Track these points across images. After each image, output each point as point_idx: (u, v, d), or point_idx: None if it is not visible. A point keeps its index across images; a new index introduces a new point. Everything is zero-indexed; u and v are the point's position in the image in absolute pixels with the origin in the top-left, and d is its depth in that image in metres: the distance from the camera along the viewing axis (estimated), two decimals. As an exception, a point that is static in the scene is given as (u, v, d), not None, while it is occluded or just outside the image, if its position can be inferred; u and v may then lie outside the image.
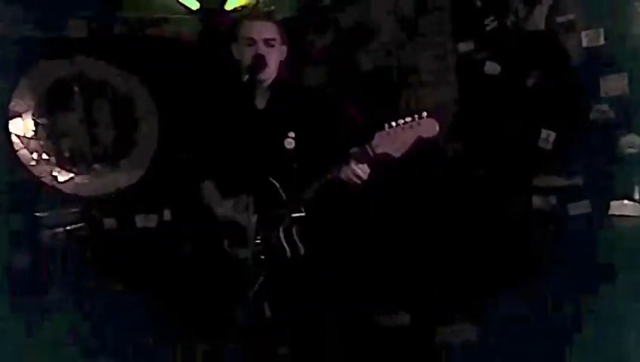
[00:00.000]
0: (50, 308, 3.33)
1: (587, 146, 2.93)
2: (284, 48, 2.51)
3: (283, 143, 2.44)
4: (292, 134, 2.42)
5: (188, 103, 4.00)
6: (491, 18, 3.30)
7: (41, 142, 3.80)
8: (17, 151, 3.72)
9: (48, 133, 3.83)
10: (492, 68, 3.27)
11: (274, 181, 2.46)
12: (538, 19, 3.16)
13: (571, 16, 3.04)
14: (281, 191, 2.45)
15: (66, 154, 3.87)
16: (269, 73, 2.45)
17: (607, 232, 2.81)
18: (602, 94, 2.93)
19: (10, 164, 3.65)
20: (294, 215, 2.43)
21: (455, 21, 3.48)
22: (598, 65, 2.94)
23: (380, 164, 2.29)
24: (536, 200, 3.12)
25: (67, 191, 3.84)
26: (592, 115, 2.96)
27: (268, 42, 2.42)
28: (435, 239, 3.26)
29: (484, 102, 3.28)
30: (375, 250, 3.32)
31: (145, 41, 4.07)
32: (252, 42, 2.40)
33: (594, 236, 2.82)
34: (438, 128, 2.21)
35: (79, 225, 3.79)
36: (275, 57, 2.45)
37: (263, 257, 2.51)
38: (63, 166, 3.85)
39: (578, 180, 2.99)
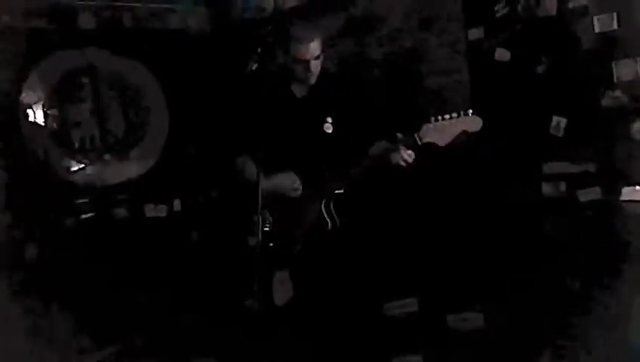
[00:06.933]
0: (60, 299, 3.35)
1: (599, 132, 2.91)
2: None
3: (322, 128, 2.73)
4: (329, 119, 2.72)
5: (198, 93, 4.05)
6: (502, 4, 3.28)
7: (52, 134, 3.81)
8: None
9: (59, 124, 3.84)
10: (503, 54, 3.25)
11: (317, 160, 2.69)
12: (549, 5, 3.12)
13: (583, 1, 3.01)
14: (324, 169, 2.69)
15: (77, 145, 3.90)
16: (316, 76, 2.72)
17: (618, 218, 2.80)
18: (615, 80, 2.90)
19: (21, 155, 3.67)
20: (336, 191, 2.70)
21: (465, 7, 3.46)
22: (611, 50, 2.91)
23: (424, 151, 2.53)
24: (546, 188, 3.09)
25: (78, 181, 3.87)
26: (605, 101, 2.93)
27: (317, 57, 2.69)
28: (444, 226, 3.25)
29: (494, 89, 3.26)
30: (388, 238, 3.32)
31: (154, 31, 4.08)
32: (305, 62, 2.65)
33: (605, 223, 2.80)
34: (481, 124, 2.45)
35: (90, 214, 3.81)
36: (319, 63, 2.71)
37: (271, 244, 2.62)
38: (73, 156, 3.88)
39: (589, 166, 2.97)
